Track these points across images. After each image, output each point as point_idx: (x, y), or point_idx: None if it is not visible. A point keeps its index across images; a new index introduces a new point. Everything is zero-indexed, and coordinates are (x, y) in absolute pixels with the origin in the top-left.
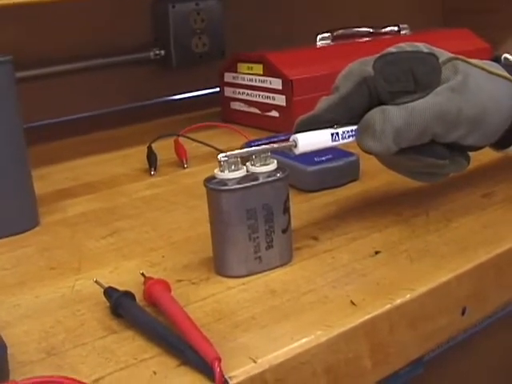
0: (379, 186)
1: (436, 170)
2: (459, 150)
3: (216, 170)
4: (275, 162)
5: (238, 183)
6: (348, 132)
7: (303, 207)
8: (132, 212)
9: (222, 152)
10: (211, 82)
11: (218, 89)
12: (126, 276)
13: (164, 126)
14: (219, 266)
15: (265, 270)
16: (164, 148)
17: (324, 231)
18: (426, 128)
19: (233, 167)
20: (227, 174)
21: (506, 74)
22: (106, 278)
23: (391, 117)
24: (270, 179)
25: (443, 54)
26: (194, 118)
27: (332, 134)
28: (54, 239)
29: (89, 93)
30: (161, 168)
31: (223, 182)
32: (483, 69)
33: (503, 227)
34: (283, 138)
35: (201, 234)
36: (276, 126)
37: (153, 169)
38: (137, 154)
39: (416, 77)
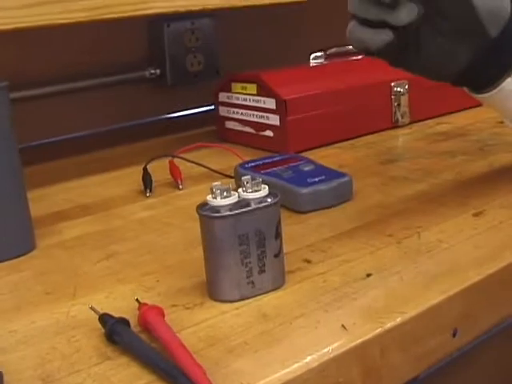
0: (372, 207)
1: (384, 6)
2: None
3: (208, 197)
4: (266, 187)
5: (230, 210)
6: None
7: (296, 229)
8: (128, 234)
9: (215, 172)
10: (206, 100)
11: (213, 106)
12: (121, 301)
13: (160, 145)
14: (212, 290)
15: (258, 295)
16: (159, 168)
17: (316, 253)
18: None
19: (225, 194)
20: (219, 201)
21: None
22: (102, 303)
23: None
24: (261, 205)
25: None
26: (189, 137)
27: None
28: (51, 263)
29: (85, 112)
30: (156, 189)
31: (215, 209)
32: None
33: (494, 247)
34: (277, 159)
35: (195, 258)
36: (271, 146)
37: (148, 190)
38: (132, 175)
39: None
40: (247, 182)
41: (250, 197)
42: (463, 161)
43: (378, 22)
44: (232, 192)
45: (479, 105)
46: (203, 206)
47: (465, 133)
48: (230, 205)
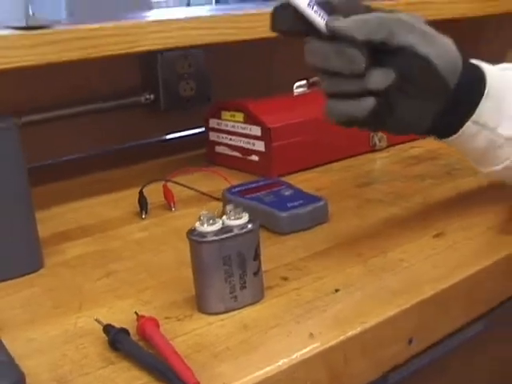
0: (345, 229)
1: (360, 76)
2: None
3: (197, 224)
4: (247, 215)
5: (216, 235)
6: (321, 14)
7: (276, 249)
8: (125, 254)
9: (205, 195)
10: (198, 123)
11: (203, 128)
12: (121, 314)
13: (155, 166)
14: (201, 304)
15: (240, 308)
16: (154, 191)
17: (293, 271)
18: (383, 19)
19: (211, 221)
20: (206, 228)
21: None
22: (104, 316)
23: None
24: (242, 231)
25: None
26: (182, 159)
27: (309, 2)
28: (57, 281)
29: (86, 135)
30: (151, 211)
31: (203, 234)
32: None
33: (449, 266)
34: (261, 184)
35: (186, 275)
36: (256, 170)
37: (144, 212)
38: (129, 197)
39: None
40: (230, 211)
41: (233, 223)
42: (432, 184)
43: (357, 92)
44: (217, 219)
45: None
46: (192, 232)
47: (435, 157)
48: (215, 231)
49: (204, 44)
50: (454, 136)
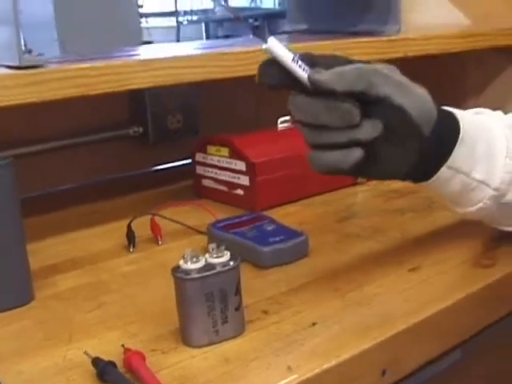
0: (324, 263)
1: (349, 127)
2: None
3: (181, 261)
4: (228, 253)
5: (199, 272)
6: (305, 68)
7: (258, 283)
8: (114, 287)
9: (191, 229)
10: (186, 155)
11: (190, 160)
12: (110, 346)
13: (144, 198)
14: (184, 337)
15: (222, 341)
16: (142, 224)
17: (273, 305)
18: (361, 71)
19: (194, 259)
20: (189, 265)
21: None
22: (93, 348)
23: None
24: (224, 268)
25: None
26: (170, 191)
27: (293, 58)
28: (48, 313)
29: (75, 167)
30: (139, 244)
31: (186, 272)
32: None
33: (422, 301)
34: (244, 218)
35: (171, 308)
36: (242, 203)
37: (132, 245)
38: (118, 229)
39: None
40: (213, 249)
41: (215, 261)
42: (411, 218)
43: (345, 143)
44: (200, 257)
45: None
46: (176, 269)
47: (416, 190)
48: (198, 268)
49: (191, 82)
50: (430, 180)
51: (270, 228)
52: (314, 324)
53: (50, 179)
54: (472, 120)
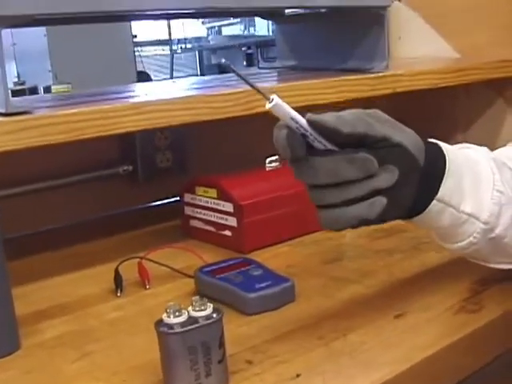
0: (309, 309)
1: (368, 178)
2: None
3: (164, 315)
4: (211, 306)
5: (182, 326)
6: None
7: (242, 330)
8: (100, 335)
9: (178, 272)
10: (175, 193)
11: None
12: None
13: (132, 238)
14: None
15: None
16: (129, 267)
17: (257, 355)
18: (356, 114)
19: (177, 313)
20: (172, 320)
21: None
22: None
23: (332, 113)
24: (207, 322)
25: None
26: (159, 230)
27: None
28: (34, 363)
29: (64, 206)
30: (126, 288)
31: (170, 326)
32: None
33: (407, 349)
34: (231, 263)
35: (156, 358)
36: (229, 244)
37: (119, 290)
38: (105, 273)
39: None
40: (196, 301)
41: (198, 315)
42: (398, 260)
43: (366, 195)
44: (183, 311)
45: None
46: (159, 323)
47: (404, 229)
48: (181, 322)
49: (179, 124)
50: (421, 215)
51: (256, 273)
52: (297, 375)
53: (37, 219)
54: (457, 153)
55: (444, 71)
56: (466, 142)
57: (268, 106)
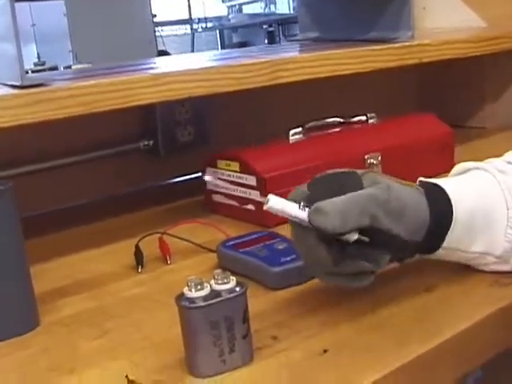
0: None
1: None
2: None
3: (185, 289)
4: (235, 279)
5: (204, 300)
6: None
7: (267, 305)
8: (120, 311)
9: (200, 247)
10: (197, 168)
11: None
12: (113, 376)
13: (153, 214)
14: (190, 367)
15: (229, 370)
16: (151, 243)
17: (283, 330)
18: (361, 206)
19: (198, 287)
20: (194, 293)
21: (412, 183)
22: (96, 379)
23: (335, 201)
24: (230, 295)
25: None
26: (180, 206)
27: (300, 206)
28: (53, 340)
29: (83, 183)
30: (147, 264)
31: (191, 300)
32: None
33: (439, 322)
34: (255, 236)
35: (178, 335)
36: (253, 219)
37: (140, 266)
38: (126, 249)
39: (344, 184)
40: (218, 275)
41: (221, 288)
42: None
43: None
44: (205, 284)
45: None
46: (180, 297)
47: None
48: (203, 296)
49: (199, 96)
50: (426, 257)
51: (281, 247)
52: (325, 351)
53: (56, 197)
54: (466, 193)
55: (471, 40)
56: (494, 112)
57: (265, 207)
